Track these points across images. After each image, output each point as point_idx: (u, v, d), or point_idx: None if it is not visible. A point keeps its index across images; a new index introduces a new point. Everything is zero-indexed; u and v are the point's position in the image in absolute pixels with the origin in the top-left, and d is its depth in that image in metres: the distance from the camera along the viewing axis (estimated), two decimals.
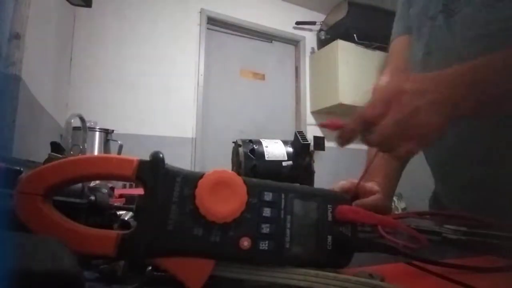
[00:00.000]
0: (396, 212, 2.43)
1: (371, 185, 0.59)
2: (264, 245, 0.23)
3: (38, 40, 1.33)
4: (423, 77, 0.38)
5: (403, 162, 0.69)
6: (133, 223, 0.29)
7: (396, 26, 0.73)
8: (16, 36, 1.04)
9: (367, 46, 2.88)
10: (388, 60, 0.74)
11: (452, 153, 0.59)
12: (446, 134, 0.38)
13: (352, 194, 0.51)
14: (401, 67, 0.69)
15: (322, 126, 0.46)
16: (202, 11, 2.75)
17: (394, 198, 2.59)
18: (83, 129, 1.33)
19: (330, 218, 0.25)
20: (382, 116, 0.36)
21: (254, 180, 0.24)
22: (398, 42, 0.72)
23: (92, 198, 0.30)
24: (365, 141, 0.39)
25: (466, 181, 0.58)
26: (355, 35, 2.83)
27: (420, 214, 0.51)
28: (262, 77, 3.07)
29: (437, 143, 0.62)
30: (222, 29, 2.92)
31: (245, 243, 0.22)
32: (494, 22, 0.47)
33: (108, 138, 1.81)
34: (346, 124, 0.39)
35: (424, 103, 0.36)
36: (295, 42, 3.24)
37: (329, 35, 3.03)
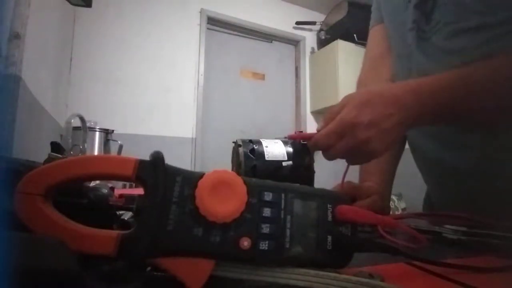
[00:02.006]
0: (396, 212, 2.43)
1: (368, 185, 0.59)
2: (264, 245, 0.23)
3: (38, 40, 1.33)
4: (385, 103, 0.41)
5: (397, 159, 0.69)
6: (133, 223, 0.29)
7: (373, 15, 0.74)
8: (16, 36, 1.04)
9: None
10: (366, 50, 0.75)
11: (432, 162, 0.60)
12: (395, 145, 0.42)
13: (350, 196, 0.51)
14: (378, 57, 0.70)
15: (290, 138, 0.50)
16: (202, 11, 2.75)
17: (394, 198, 2.59)
18: (83, 129, 1.33)
19: (330, 218, 0.25)
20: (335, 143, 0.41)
21: (254, 180, 0.24)
22: (374, 32, 0.73)
23: (92, 198, 0.30)
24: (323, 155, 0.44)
25: (448, 188, 0.59)
26: (355, 35, 2.83)
27: (420, 215, 0.51)
28: (262, 77, 3.07)
29: (417, 152, 0.63)
30: (222, 29, 2.92)
31: (245, 243, 0.22)
32: (462, 50, 0.48)
33: (108, 138, 1.82)
34: (311, 136, 0.45)
35: (373, 135, 0.39)
36: (295, 42, 3.24)
37: (329, 35, 3.03)
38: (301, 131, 0.62)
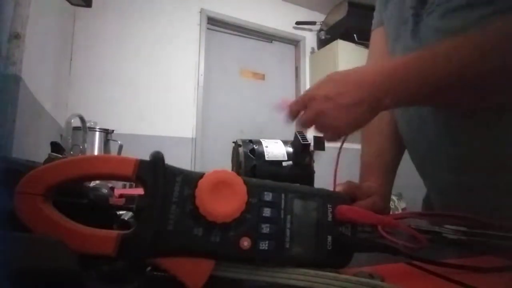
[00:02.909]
0: (396, 212, 2.43)
1: (367, 185, 0.58)
2: (264, 245, 0.23)
3: (38, 40, 1.33)
4: (346, 80, 0.44)
5: (397, 159, 0.69)
6: (133, 223, 0.29)
7: (374, 19, 0.74)
8: (16, 36, 1.04)
9: (367, 46, 2.86)
10: (368, 52, 0.76)
11: (425, 159, 0.60)
12: (367, 123, 0.44)
13: (350, 196, 0.51)
14: (379, 58, 0.71)
15: (274, 107, 0.53)
16: (202, 11, 2.75)
17: (394, 198, 2.59)
18: (83, 129, 1.33)
19: (330, 218, 0.25)
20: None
21: (254, 180, 0.24)
22: (375, 35, 0.74)
23: (92, 198, 0.30)
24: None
25: (439, 185, 0.59)
26: (355, 35, 2.83)
27: (420, 215, 0.51)
28: (262, 77, 3.07)
29: (411, 148, 0.63)
30: (222, 29, 2.92)
31: (245, 243, 0.22)
32: (454, 30, 0.47)
33: (108, 138, 1.82)
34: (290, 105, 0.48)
35: (327, 108, 0.43)
36: (295, 42, 3.24)
37: (329, 35, 3.03)
38: (301, 131, 0.62)
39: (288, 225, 0.24)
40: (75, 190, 0.28)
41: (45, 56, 1.55)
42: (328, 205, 0.26)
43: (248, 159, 0.57)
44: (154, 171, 0.22)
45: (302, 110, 0.46)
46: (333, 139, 0.46)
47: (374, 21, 0.74)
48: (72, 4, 1.54)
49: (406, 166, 0.70)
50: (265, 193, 0.24)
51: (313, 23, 3.20)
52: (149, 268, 0.24)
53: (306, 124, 0.46)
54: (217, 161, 2.37)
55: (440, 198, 0.61)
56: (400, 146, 0.68)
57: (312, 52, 3.24)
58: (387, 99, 0.42)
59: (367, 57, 0.76)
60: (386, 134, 0.68)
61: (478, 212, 0.39)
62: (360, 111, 0.42)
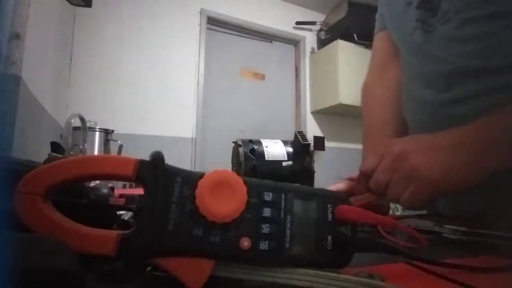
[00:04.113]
0: (396, 213, 2.43)
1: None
2: (264, 245, 0.23)
3: (38, 40, 1.33)
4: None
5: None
6: (133, 223, 0.29)
7: (377, 22, 0.74)
8: (16, 36, 1.04)
9: (367, 46, 2.88)
10: (371, 55, 0.77)
11: None
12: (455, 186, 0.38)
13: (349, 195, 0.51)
14: (383, 62, 0.71)
15: (349, 179, 0.48)
16: (202, 11, 2.75)
17: None
18: (83, 129, 1.33)
19: (330, 218, 0.25)
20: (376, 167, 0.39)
21: (254, 180, 0.24)
22: (378, 37, 0.74)
23: (92, 198, 0.30)
24: (369, 190, 0.41)
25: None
26: (355, 35, 2.83)
27: (420, 215, 0.51)
28: (262, 77, 3.07)
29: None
30: (222, 29, 2.92)
31: (245, 243, 0.22)
32: (473, 39, 0.47)
33: (108, 138, 1.82)
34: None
35: (414, 148, 0.38)
36: (295, 42, 3.24)
37: (329, 35, 3.03)
38: (301, 131, 0.62)
39: (288, 225, 0.24)
40: (75, 190, 0.28)
41: (45, 56, 1.55)
42: (328, 205, 0.26)
43: (248, 159, 0.57)
44: (154, 171, 0.22)
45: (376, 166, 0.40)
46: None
47: (377, 24, 0.74)
48: (72, 4, 1.54)
49: None
50: (265, 193, 0.24)
51: (313, 23, 3.20)
52: (149, 268, 0.24)
53: (384, 173, 0.39)
54: (217, 161, 2.37)
55: (444, 198, 0.60)
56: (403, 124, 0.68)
57: (312, 52, 3.24)
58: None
59: (371, 60, 0.76)
60: (383, 128, 0.68)
61: (482, 211, 0.39)
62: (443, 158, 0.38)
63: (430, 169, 0.37)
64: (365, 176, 0.40)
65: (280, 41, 3.18)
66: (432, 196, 0.38)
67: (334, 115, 3.13)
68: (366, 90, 0.74)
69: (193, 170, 0.24)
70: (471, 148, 0.38)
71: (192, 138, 2.59)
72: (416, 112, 0.60)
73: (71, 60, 2.23)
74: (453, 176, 0.38)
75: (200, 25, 2.73)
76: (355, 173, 0.45)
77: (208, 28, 2.80)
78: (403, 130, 0.67)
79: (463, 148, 0.38)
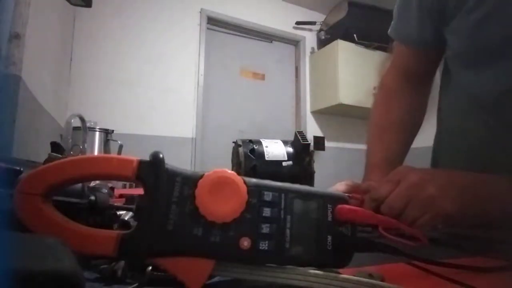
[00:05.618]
0: None
1: (367, 184, 0.58)
2: (264, 245, 0.23)
3: (38, 40, 1.33)
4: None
5: (403, 158, 0.69)
6: (133, 223, 0.29)
7: (397, 29, 0.69)
8: (16, 36, 1.04)
9: (367, 46, 2.88)
10: (392, 58, 0.75)
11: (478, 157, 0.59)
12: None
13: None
14: (403, 69, 0.71)
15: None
16: (202, 11, 2.75)
17: None
18: (83, 129, 1.33)
19: (330, 218, 0.25)
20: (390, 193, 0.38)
21: (254, 180, 0.24)
22: (398, 49, 0.71)
23: (92, 198, 0.30)
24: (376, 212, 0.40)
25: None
26: (355, 35, 2.83)
27: None
28: (262, 77, 3.07)
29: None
30: (222, 29, 2.92)
31: (245, 243, 0.22)
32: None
33: (108, 138, 1.81)
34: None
35: (431, 178, 0.37)
36: (295, 42, 3.24)
37: (329, 35, 3.03)
38: (301, 131, 0.62)
39: (288, 225, 0.24)
40: (75, 190, 0.28)
41: (45, 56, 1.55)
42: (328, 205, 0.26)
43: (248, 159, 0.57)
44: (154, 171, 0.22)
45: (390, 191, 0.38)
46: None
47: (396, 33, 0.71)
48: (72, 4, 1.54)
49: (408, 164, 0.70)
50: (265, 193, 0.24)
51: (313, 23, 3.20)
52: (149, 268, 0.24)
53: (399, 198, 0.37)
54: (217, 161, 2.37)
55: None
56: (407, 144, 0.68)
57: (312, 52, 3.24)
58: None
59: (391, 63, 0.75)
60: (395, 131, 0.68)
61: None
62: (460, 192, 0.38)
63: (447, 201, 0.37)
64: (376, 201, 0.39)
65: (280, 41, 3.18)
66: (447, 225, 0.39)
67: (334, 115, 3.13)
68: (383, 88, 0.74)
69: (193, 170, 0.24)
70: (494, 193, 0.38)
71: (192, 138, 2.59)
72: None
73: (71, 60, 2.23)
74: (469, 213, 0.38)
75: (200, 25, 2.73)
76: (357, 188, 0.45)
77: (208, 28, 2.80)
78: (414, 134, 0.68)
79: (484, 189, 0.39)
